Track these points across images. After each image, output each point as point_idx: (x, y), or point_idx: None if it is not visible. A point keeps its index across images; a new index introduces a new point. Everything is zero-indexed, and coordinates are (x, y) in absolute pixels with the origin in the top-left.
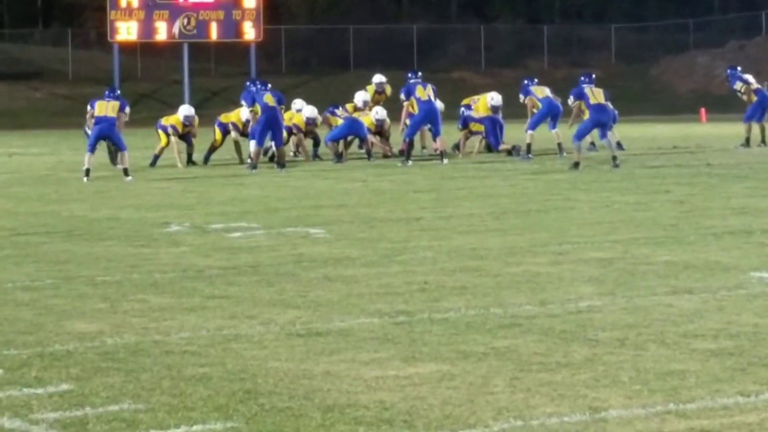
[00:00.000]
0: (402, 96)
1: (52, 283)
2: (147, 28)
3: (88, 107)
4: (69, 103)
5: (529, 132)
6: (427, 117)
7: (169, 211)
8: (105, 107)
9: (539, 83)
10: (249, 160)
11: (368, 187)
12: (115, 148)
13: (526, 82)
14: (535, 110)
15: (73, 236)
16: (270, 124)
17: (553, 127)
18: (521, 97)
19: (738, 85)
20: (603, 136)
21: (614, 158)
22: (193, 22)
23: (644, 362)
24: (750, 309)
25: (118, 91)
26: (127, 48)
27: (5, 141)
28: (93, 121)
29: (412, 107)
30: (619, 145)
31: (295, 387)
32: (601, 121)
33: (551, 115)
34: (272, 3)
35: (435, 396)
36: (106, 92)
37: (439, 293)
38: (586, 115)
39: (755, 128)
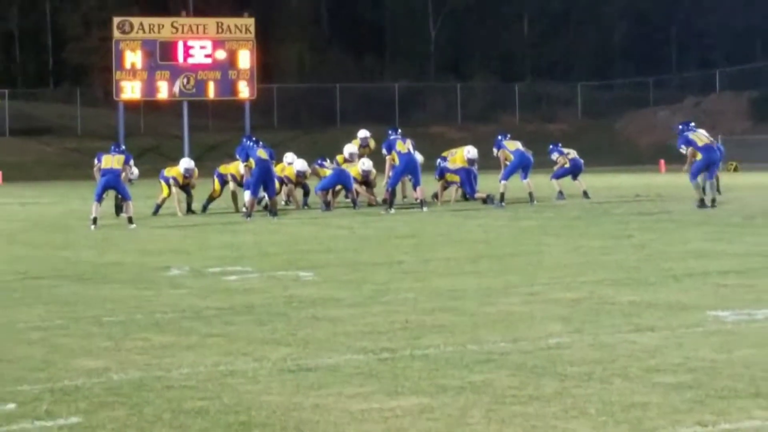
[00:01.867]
0: (384, 151)
1: (62, 323)
2: (149, 87)
3: (95, 161)
4: (77, 157)
5: (503, 182)
6: (407, 168)
7: (169, 256)
8: (111, 160)
9: (511, 137)
10: (244, 209)
11: (354, 233)
12: (121, 198)
13: (499, 137)
14: (507, 162)
15: (80, 280)
16: (263, 176)
17: (525, 177)
18: (495, 150)
19: (683, 149)
20: (711, 176)
21: (713, 200)
22: (192, 82)
23: (610, 395)
24: (707, 345)
25: (123, 146)
26: (131, 105)
27: (19, 192)
28: (99, 173)
29: (394, 160)
30: (585, 194)
31: (287, 419)
32: (713, 159)
33: (522, 166)
34: (265, 63)
35: (416, 427)
36: (112, 147)
37: (420, 331)
38: (698, 157)
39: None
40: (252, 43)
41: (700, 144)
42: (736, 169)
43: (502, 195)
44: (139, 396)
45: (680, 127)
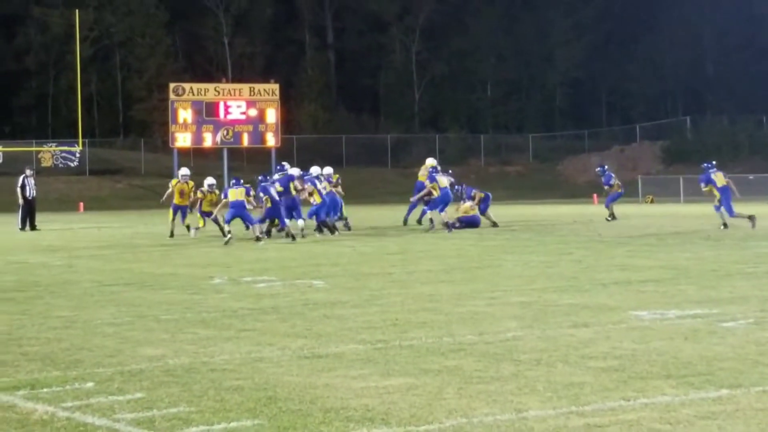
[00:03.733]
0: (308, 184)
1: (129, 320)
2: (198, 137)
3: (222, 196)
4: (141, 191)
5: (436, 210)
6: (330, 204)
7: (212, 268)
8: (235, 193)
9: (475, 178)
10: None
11: (355, 250)
12: (247, 223)
13: (431, 169)
14: (435, 193)
15: (143, 286)
16: (289, 206)
17: (442, 210)
18: (427, 182)
19: (612, 180)
20: (725, 207)
21: (725, 224)
22: (230, 133)
23: (554, 376)
24: (629, 338)
25: (242, 180)
26: (183, 151)
27: (96, 218)
28: (228, 205)
29: (313, 194)
30: (494, 224)
31: (304, 394)
32: (726, 197)
33: (444, 202)
34: (287, 119)
35: (404, 401)
36: (234, 181)
37: (406, 327)
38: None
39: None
40: (277, 103)
41: (719, 184)
42: (652, 201)
43: (431, 220)
44: (189, 376)
45: (707, 165)
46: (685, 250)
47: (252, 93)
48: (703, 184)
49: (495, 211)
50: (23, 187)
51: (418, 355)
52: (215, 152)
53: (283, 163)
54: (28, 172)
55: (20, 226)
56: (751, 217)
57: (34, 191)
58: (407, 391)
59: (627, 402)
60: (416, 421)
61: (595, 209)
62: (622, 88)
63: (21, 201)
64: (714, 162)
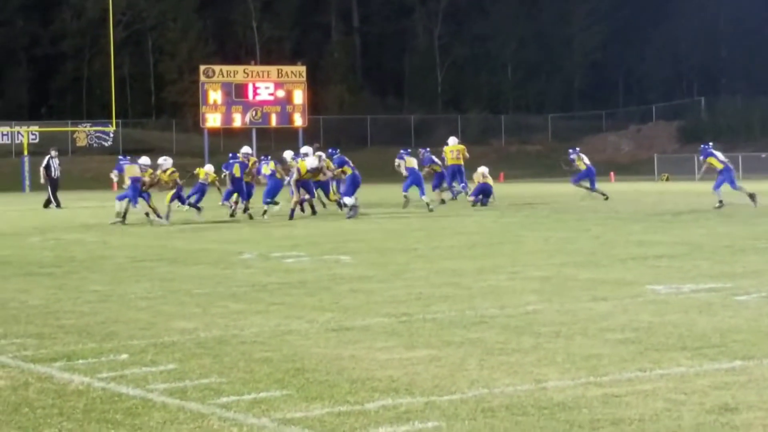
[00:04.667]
0: (335, 164)
1: (162, 294)
2: (227, 117)
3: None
4: None
5: (404, 193)
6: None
7: (242, 245)
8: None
9: (496, 157)
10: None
11: (381, 227)
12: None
13: (402, 151)
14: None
15: (176, 262)
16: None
17: (422, 193)
18: (396, 161)
19: (575, 158)
20: (735, 186)
21: (752, 196)
22: (259, 114)
23: (573, 348)
24: (646, 311)
25: (270, 156)
26: (213, 132)
27: None
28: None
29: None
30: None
31: (330, 366)
32: (729, 176)
33: (415, 182)
34: (314, 100)
35: (427, 372)
36: (263, 158)
37: (430, 300)
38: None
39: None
40: (304, 84)
41: (719, 166)
42: (667, 179)
43: (406, 201)
44: (220, 349)
45: (704, 146)
46: (699, 226)
47: (280, 75)
48: (702, 158)
49: (515, 189)
50: (48, 167)
51: (441, 328)
52: (245, 132)
53: (246, 148)
54: (53, 152)
55: (55, 204)
56: (752, 195)
57: (58, 171)
58: (430, 363)
59: (643, 373)
60: (439, 392)
61: (613, 187)
62: (639, 71)
63: (53, 178)
64: (711, 143)
